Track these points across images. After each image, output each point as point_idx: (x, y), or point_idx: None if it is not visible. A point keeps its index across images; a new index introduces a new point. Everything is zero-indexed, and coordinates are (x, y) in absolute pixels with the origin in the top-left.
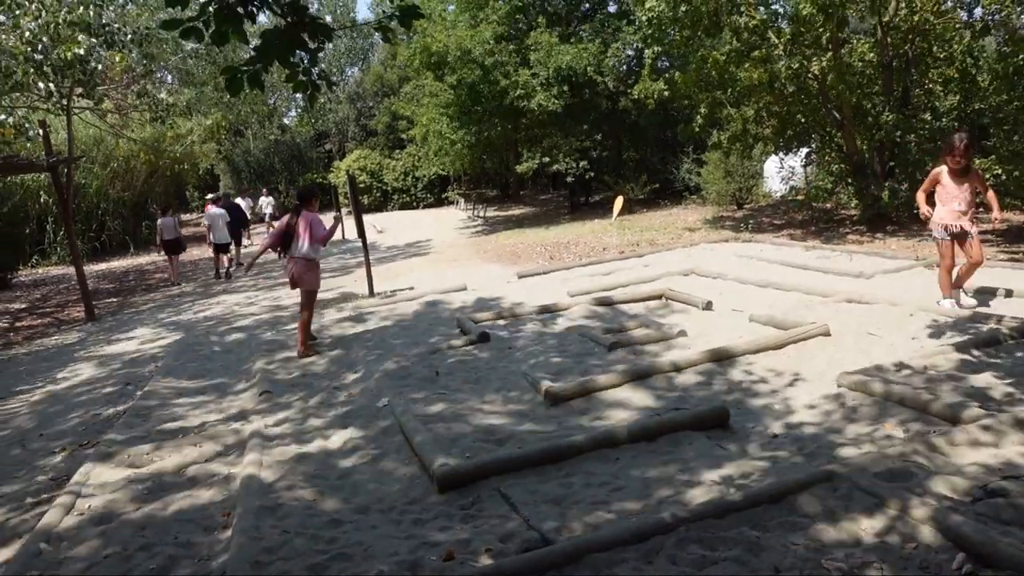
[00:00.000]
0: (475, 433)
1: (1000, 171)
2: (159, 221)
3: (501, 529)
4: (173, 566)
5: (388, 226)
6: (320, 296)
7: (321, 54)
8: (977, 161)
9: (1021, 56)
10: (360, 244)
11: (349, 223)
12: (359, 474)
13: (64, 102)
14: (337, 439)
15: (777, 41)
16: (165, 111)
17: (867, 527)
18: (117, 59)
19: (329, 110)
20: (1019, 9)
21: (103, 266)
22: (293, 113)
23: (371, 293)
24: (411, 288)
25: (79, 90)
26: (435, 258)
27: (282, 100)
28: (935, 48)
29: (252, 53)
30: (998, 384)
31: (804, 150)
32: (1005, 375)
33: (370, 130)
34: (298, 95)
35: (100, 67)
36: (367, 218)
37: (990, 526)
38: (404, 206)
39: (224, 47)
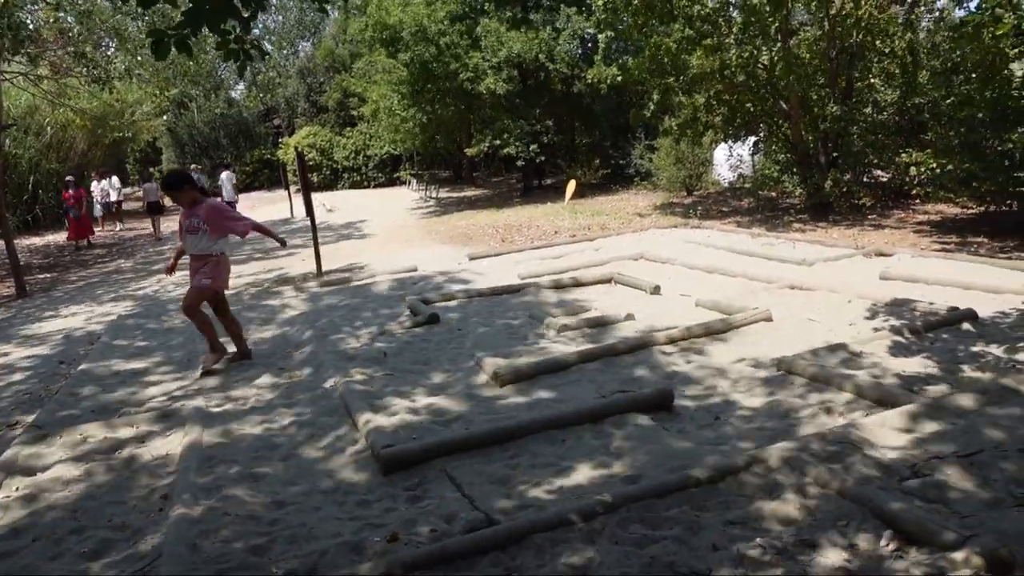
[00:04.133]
0: (422, 414)
1: (935, 165)
2: (144, 185)
3: (446, 510)
4: (106, 549)
5: (338, 205)
6: (266, 276)
7: (255, 22)
8: (914, 154)
9: (956, 53)
10: (308, 223)
11: (297, 201)
12: (303, 455)
13: None
14: (281, 419)
15: (728, 30)
16: (105, 75)
17: (801, 506)
18: (51, 19)
19: (278, 84)
20: (952, 5)
21: (36, 240)
22: (241, 87)
23: (319, 273)
24: (361, 268)
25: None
26: (386, 239)
27: (229, 73)
28: (878, 43)
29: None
30: (927, 368)
31: (752, 139)
32: (934, 359)
33: (320, 106)
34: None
35: (32, 26)
36: (317, 197)
37: (916, 504)
38: (355, 185)
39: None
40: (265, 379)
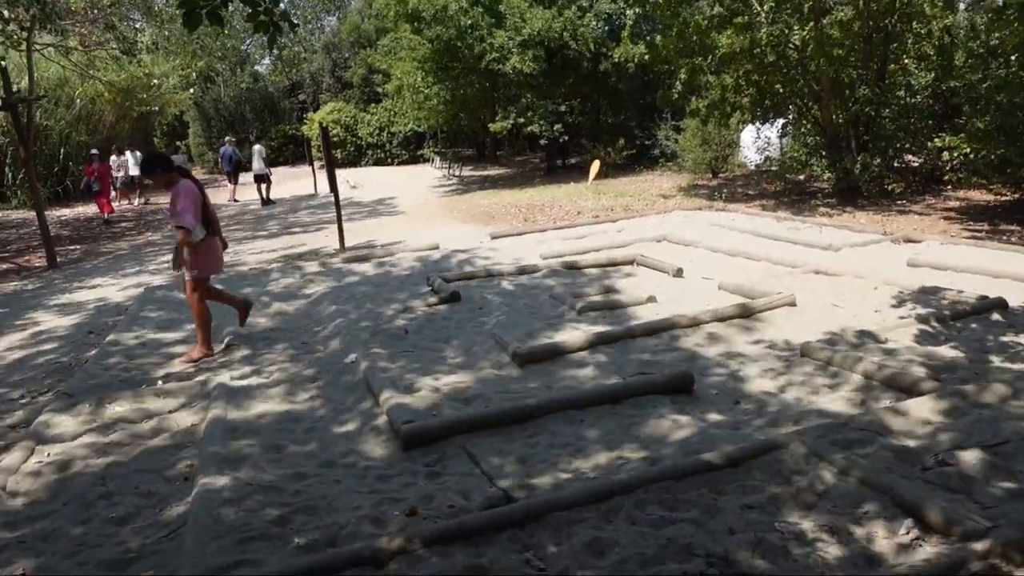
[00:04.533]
0: (442, 391)
1: (968, 150)
2: (173, 158)
3: (465, 486)
4: (134, 515)
5: (361, 181)
6: (290, 251)
7: None
8: (947, 139)
9: (995, 35)
10: (332, 199)
11: (321, 177)
12: (324, 429)
13: (25, 35)
14: (303, 394)
15: (760, 8)
16: (132, 46)
17: (820, 492)
18: None
19: (304, 59)
20: None
21: (66, 212)
22: (267, 61)
23: (342, 248)
24: (383, 245)
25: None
26: (408, 216)
27: (256, 48)
28: (914, 23)
29: None
30: (953, 357)
31: (780, 121)
32: (960, 348)
33: (345, 82)
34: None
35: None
36: (341, 173)
37: (938, 494)
38: (378, 162)
39: None
40: (288, 354)
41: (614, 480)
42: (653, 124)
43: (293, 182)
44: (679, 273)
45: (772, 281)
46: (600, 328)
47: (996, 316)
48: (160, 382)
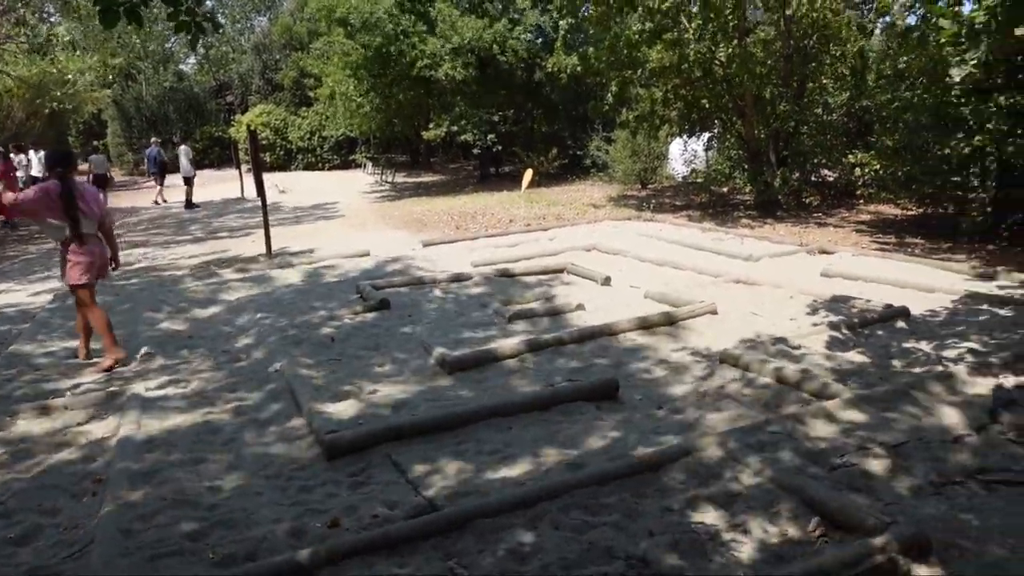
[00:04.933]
0: (369, 400)
1: (878, 166)
2: (91, 158)
3: (389, 496)
4: (35, 534)
5: (291, 186)
6: (214, 257)
7: None
8: (859, 155)
9: (902, 59)
10: (260, 204)
11: (249, 181)
12: (245, 440)
13: None
14: (224, 404)
15: (688, 25)
16: (46, 43)
17: (734, 492)
18: None
19: (232, 60)
20: (906, 12)
21: None
22: (192, 60)
23: (269, 255)
24: (312, 251)
25: None
26: (339, 222)
27: (180, 46)
28: (831, 45)
29: None
30: (860, 362)
31: (706, 135)
32: (867, 354)
33: (276, 84)
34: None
35: None
36: (269, 177)
37: (844, 492)
38: (309, 166)
39: None
40: (208, 363)
41: (539, 486)
42: (585, 135)
43: (219, 185)
44: (607, 282)
45: (696, 290)
46: (530, 335)
47: (900, 323)
48: (69, 393)
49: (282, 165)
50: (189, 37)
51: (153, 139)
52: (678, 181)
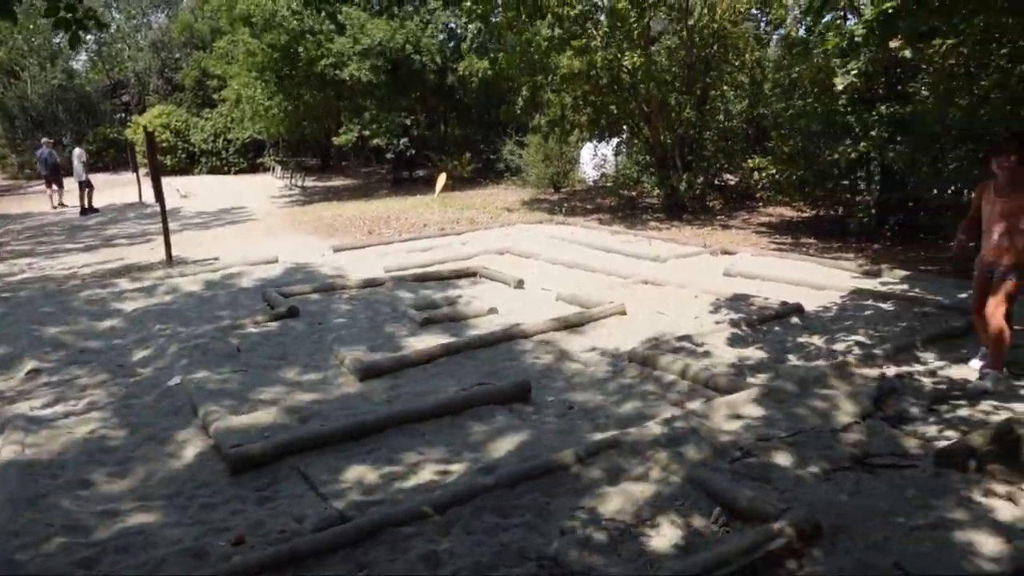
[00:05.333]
0: (277, 411)
1: (775, 171)
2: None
3: (298, 509)
4: None
5: (194, 191)
6: (110, 266)
7: None
8: (757, 160)
9: (795, 69)
10: (159, 208)
11: (147, 185)
12: (143, 458)
13: None
14: (119, 421)
15: (595, 32)
16: None
17: (643, 488)
18: None
19: (128, 58)
20: (798, 25)
21: None
22: (83, 57)
23: (169, 262)
24: (216, 259)
25: None
26: (246, 227)
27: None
28: (730, 55)
29: None
30: (759, 357)
31: (615, 140)
32: (764, 349)
33: (176, 84)
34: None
35: None
36: (171, 181)
37: (742, 483)
38: (214, 170)
39: None
40: (101, 379)
41: (450, 492)
42: (498, 139)
43: (115, 190)
44: (520, 285)
45: (606, 291)
46: (442, 340)
47: (795, 319)
48: None
49: (184, 169)
50: (69, 35)
51: (43, 139)
52: (589, 185)
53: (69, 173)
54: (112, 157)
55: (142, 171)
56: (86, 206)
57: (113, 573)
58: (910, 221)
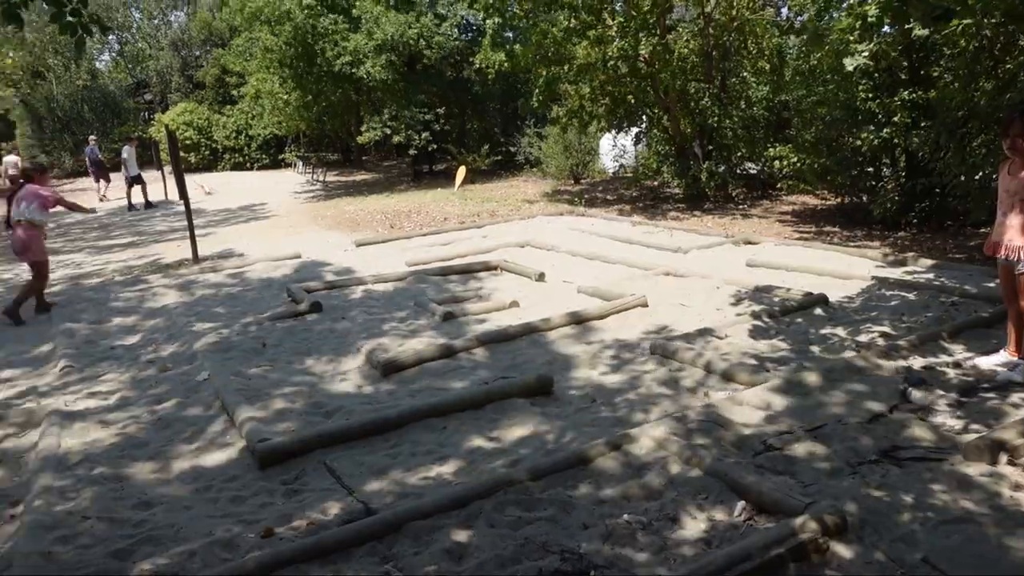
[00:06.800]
0: (302, 406)
1: (796, 159)
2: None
3: (324, 502)
4: None
5: (217, 188)
6: (138, 262)
7: None
8: (779, 148)
9: (816, 55)
10: (183, 207)
11: (172, 182)
12: (174, 453)
13: None
14: (150, 416)
15: (611, 22)
16: None
17: (665, 482)
18: None
19: (149, 56)
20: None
21: None
22: (107, 57)
23: (195, 260)
24: (241, 255)
25: None
26: (269, 224)
27: (93, 42)
28: (749, 42)
29: None
30: (781, 349)
31: (634, 130)
32: (787, 341)
33: (197, 82)
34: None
35: None
36: (194, 178)
37: (766, 476)
38: (236, 166)
39: None
40: (133, 373)
41: (473, 485)
42: (517, 131)
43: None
44: (541, 277)
45: (627, 283)
46: (464, 334)
47: (818, 311)
48: None
49: (208, 166)
50: (74, 39)
51: (91, 137)
52: (609, 175)
53: (116, 169)
54: (138, 155)
55: (167, 169)
56: (145, 201)
57: (146, 562)
58: (936, 208)
